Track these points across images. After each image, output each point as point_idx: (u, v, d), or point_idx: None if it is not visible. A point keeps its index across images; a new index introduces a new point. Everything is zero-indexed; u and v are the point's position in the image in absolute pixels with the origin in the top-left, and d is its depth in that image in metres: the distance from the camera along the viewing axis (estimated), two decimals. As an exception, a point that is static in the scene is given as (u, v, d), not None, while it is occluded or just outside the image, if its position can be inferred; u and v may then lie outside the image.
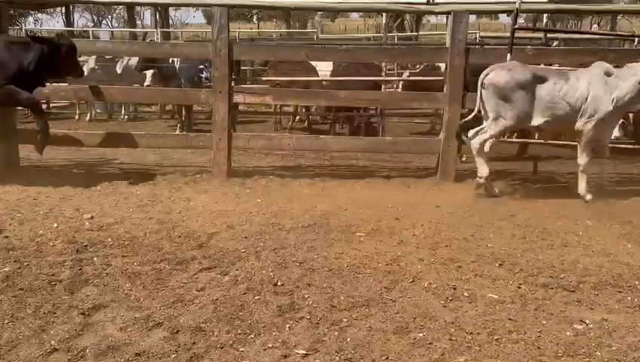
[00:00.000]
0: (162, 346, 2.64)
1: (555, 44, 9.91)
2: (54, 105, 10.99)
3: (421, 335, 2.78)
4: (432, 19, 34.33)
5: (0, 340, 2.65)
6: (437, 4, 6.14)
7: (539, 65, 5.89)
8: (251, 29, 33.24)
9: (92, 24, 39.57)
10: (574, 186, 5.27)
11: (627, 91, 4.89)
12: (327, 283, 3.32)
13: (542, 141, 5.85)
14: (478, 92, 5.13)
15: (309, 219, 4.47)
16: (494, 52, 6.05)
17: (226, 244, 3.93)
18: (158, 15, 20.40)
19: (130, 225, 4.27)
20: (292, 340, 2.71)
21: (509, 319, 2.96)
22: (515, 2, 5.57)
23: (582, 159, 5.11)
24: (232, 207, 4.76)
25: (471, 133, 5.32)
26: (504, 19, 35.32)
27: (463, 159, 6.60)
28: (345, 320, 2.91)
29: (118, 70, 10.02)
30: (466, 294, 3.23)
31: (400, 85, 8.61)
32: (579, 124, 5.00)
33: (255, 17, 43.15)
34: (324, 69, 8.94)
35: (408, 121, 9.57)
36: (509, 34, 5.68)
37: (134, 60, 9.58)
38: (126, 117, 10.64)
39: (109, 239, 3.96)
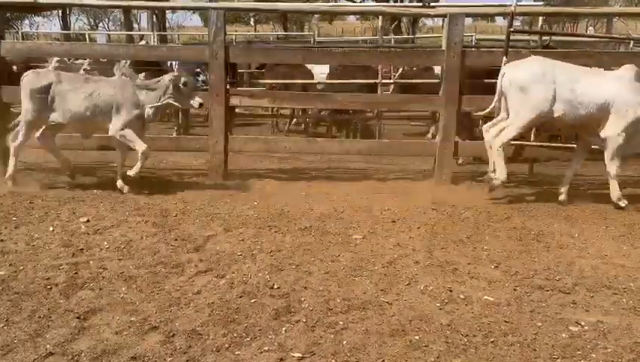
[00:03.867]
0: (158, 350, 2.63)
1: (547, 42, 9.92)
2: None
3: (417, 337, 2.79)
4: (429, 21, 34.44)
5: (-5, 344, 2.65)
6: (433, 6, 6.16)
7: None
8: (248, 31, 33.27)
9: (89, 27, 39.59)
10: (570, 188, 5.28)
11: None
12: (323, 286, 3.33)
13: (538, 143, 5.87)
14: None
15: (306, 222, 4.47)
16: (490, 54, 6.08)
17: (222, 247, 3.93)
18: (154, 18, 20.39)
19: (127, 228, 4.27)
20: (288, 343, 2.71)
21: (505, 321, 2.96)
22: (511, 5, 5.59)
23: None
24: (229, 210, 4.75)
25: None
26: (500, 21, 35.44)
27: (460, 161, 6.62)
28: (341, 323, 2.91)
29: (116, 73, 9.99)
30: (461, 296, 3.24)
31: (391, 88, 8.62)
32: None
33: (252, 20, 43.17)
34: (321, 71, 8.95)
35: (405, 123, 9.59)
36: (505, 36, 5.69)
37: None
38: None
39: (105, 242, 3.96)
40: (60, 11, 23.10)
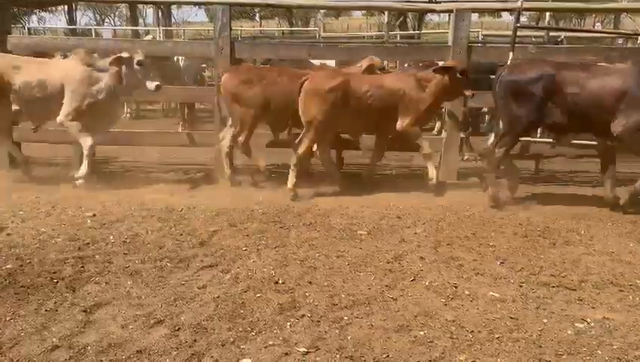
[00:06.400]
0: (163, 343, 2.64)
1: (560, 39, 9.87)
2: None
3: (422, 333, 2.79)
4: (435, 17, 34.25)
5: (2, 337, 2.67)
6: (439, 2, 6.13)
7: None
8: (254, 27, 33.25)
9: (95, 22, 39.69)
10: (576, 185, 5.26)
11: None
12: (328, 282, 3.33)
13: (544, 140, 5.84)
14: None
15: (311, 218, 4.47)
16: (497, 50, 6.05)
17: (227, 242, 3.93)
18: (160, 13, 20.41)
19: (132, 222, 4.28)
20: (293, 338, 2.72)
21: (510, 317, 2.96)
22: (517, 0, 5.55)
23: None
24: (234, 205, 4.76)
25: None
26: (507, 17, 35.22)
27: (465, 157, 6.60)
28: (346, 318, 2.91)
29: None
30: (467, 292, 3.23)
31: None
32: None
33: (257, 15, 43.14)
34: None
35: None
36: (511, 32, 5.66)
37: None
38: (128, 115, 10.65)
39: (111, 237, 3.97)
40: (66, 7, 23.17)
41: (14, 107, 5.24)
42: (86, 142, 5.20)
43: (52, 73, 5.20)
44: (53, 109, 5.19)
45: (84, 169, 5.20)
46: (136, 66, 5.19)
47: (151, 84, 5.19)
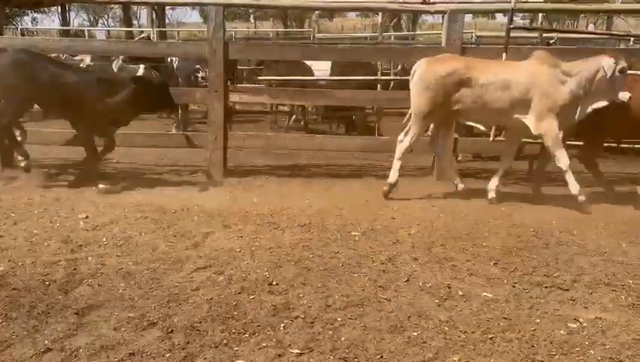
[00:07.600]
0: (156, 346, 2.63)
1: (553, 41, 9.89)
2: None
3: (415, 334, 2.79)
4: (430, 18, 34.36)
5: (-7, 340, 2.65)
6: (433, 3, 6.13)
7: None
8: (248, 28, 33.21)
9: (88, 23, 39.58)
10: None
11: None
12: (322, 283, 3.32)
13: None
14: None
15: (305, 219, 4.47)
16: (490, 51, 6.06)
17: (221, 244, 3.92)
18: (154, 14, 20.36)
19: (125, 224, 4.26)
20: (287, 339, 2.71)
21: (504, 318, 2.97)
22: (510, 2, 5.57)
23: None
24: (228, 207, 4.75)
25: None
26: (501, 18, 35.32)
27: (459, 159, 6.62)
28: (339, 319, 2.91)
29: (114, 69, 10.00)
30: (460, 293, 3.24)
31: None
32: None
33: (252, 16, 43.10)
34: (320, 68, 8.93)
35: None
36: (504, 33, 5.68)
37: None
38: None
39: (104, 238, 3.95)
40: (60, 8, 23.07)
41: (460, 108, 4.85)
42: (562, 157, 4.77)
43: (516, 75, 4.74)
44: (514, 114, 4.81)
45: (573, 187, 4.80)
46: (617, 73, 4.51)
47: (624, 95, 4.51)
